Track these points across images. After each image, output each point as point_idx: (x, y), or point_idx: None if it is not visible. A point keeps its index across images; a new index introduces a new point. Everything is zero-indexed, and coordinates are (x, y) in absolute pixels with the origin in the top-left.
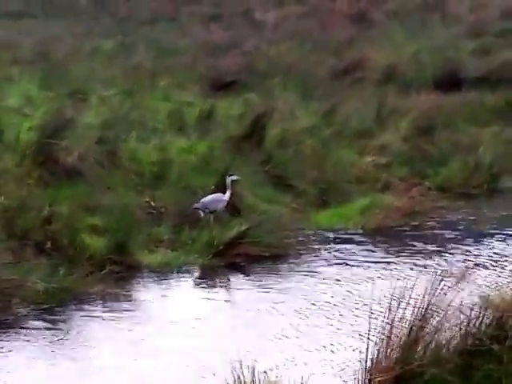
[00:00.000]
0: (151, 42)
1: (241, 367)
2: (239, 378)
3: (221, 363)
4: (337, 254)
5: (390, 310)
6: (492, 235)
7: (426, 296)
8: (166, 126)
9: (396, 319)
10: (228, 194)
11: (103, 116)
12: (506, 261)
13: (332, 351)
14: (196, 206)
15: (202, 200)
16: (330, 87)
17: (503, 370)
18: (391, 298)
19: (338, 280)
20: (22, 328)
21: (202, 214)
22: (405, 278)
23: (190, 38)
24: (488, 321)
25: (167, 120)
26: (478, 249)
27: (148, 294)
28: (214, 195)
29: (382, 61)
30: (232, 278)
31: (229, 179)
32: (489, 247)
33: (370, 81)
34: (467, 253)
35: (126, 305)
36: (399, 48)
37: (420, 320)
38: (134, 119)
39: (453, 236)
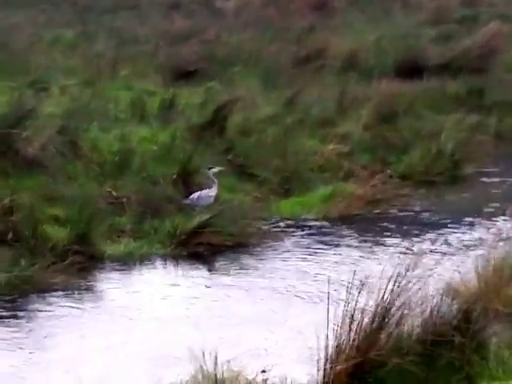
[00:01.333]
0: (112, 31)
1: (203, 357)
2: (202, 367)
3: (184, 353)
4: (299, 242)
5: (352, 298)
6: (455, 223)
7: (389, 285)
8: (127, 116)
9: (358, 308)
10: (215, 187)
11: (64, 106)
12: (470, 249)
13: (294, 340)
14: (186, 201)
15: (192, 196)
16: (292, 75)
17: (466, 359)
18: (354, 287)
19: (301, 268)
20: None
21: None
22: (368, 267)
23: (150, 27)
24: (451, 310)
25: (129, 109)
26: (441, 237)
27: (110, 284)
28: (203, 191)
29: (343, 48)
30: (194, 268)
31: (210, 172)
32: (452, 235)
33: (332, 68)
34: (430, 241)
35: (88, 295)
36: (360, 35)
37: (383, 309)
38: (96, 109)
39: (415, 224)
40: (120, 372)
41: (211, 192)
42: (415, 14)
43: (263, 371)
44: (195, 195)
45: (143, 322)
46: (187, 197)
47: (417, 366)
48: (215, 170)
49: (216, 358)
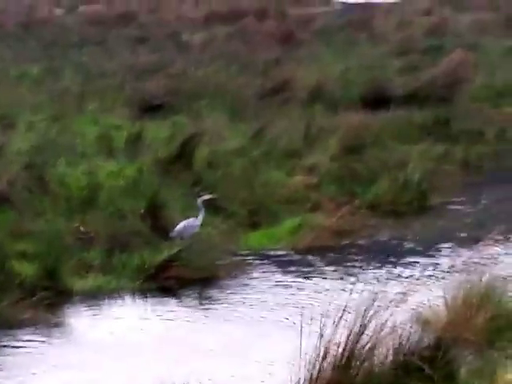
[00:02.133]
0: (78, 66)
1: None
2: None
3: None
4: (268, 274)
5: (322, 330)
6: (423, 252)
7: (359, 316)
8: (94, 150)
9: (328, 340)
10: (201, 216)
11: (31, 142)
12: (438, 279)
13: (264, 373)
14: (172, 235)
15: (177, 229)
16: (258, 108)
17: None
18: (323, 319)
19: (270, 300)
20: None
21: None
22: (336, 297)
23: (117, 61)
24: (421, 340)
25: (96, 144)
26: (409, 267)
27: (79, 319)
28: (186, 221)
29: (309, 80)
30: (163, 302)
31: (200, 200)
32: (420, 265)
33: (298, 100)
34: (399, 271)
35: (57, 330)
36: (326, 67)
37: (353, 340)
38: (63, 144)
39: (384, 254)
40: None
41: (196, 222)
42: (380, 46)
43: None
44: (179, 227)
45: (112, 356)
46: (172, 230)
47: None
48: (205, 197)
49: None
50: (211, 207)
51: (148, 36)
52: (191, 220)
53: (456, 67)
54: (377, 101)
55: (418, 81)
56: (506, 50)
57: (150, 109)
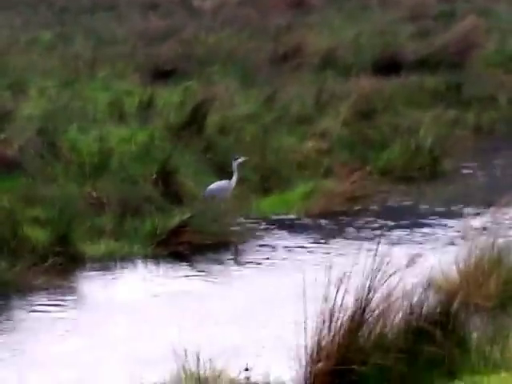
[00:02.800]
0: (90, 32)
1: (186, 356)
2: (184, 367)
3: (166, 352)
4: (280, 240)
5: (332, 295)
6: (435, 218)
7: (370, 281)
8: (106, 116)
9: (338, 305)
10: (234, 178)
11: (43, 107)
12: (450, 244)
13: (276, 338)
14: (204, 195)
15: (209, 188)
16: (270, 73)
17: (447, 354)
18: (334, 284)
19: (282, 266)
20: None
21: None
22: (348, 263)
23: (128, 28)
24: (431, 305)
25: (107, 110)
26: (421, 232)
27: (92, 284)
28: (219, 183)
29: (320, 46)
30: (175, 267)
31: (235, 163)
32: (432, 230)
33: (310, 66)
34: (411, 236)
35: (69, 296)
36: (338, 33)
37: (363, 305)
38: (74, 110)
39: (396, 219)
40: (102, 372)
41: (229, 184)
42: (393, 11)
43: (246, 369)
44: (212, 188)
45: (125, 322)
46: (204, 190)
47: (398, 362)
48: (240, 160)
49: (198, 357)
50: (223, 173)
51: (159, 1)
52: (225, 182)
53: (468, 33)
54: (388, 66)
55: (430, 46)
56: None
57: (162, 74)
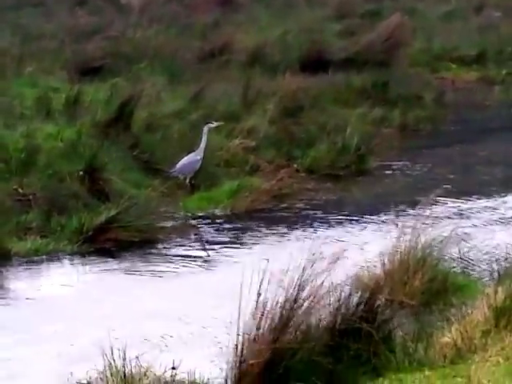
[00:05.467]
0: (17, 28)
1: (112, 353)
2: (110, 364)
3: (92, 350)
4: (206, 237)
5: (260, 291)
6: (361, 215)
7: (297, 277)
8: (33, 112)
9: (266, 301)
10: (202, 146)
11: None
12: (376, 241)
13: (203, 335)
14: (173, 173)
15: (178, 166)
16: (197, 70)
17: (372, 351)
18: (261, 280)
19: (208, 263)
20: None
21: (182, 178)
22: (275, 259)
23: (56, 24)
24: (358, 301)
25: (34, 106)
26: (347, 229)
27: (17, 281)
28: (187, 158)
29: (248, 43)
30: (102, 264)
31: (206, 128)
32: (358, 227)
33: (237, 63)
34: (336, 233)
35: None
36: (265, 30)
37: (290, 301)
38: (1, 106)
39: (321, 217)
40: (28, 370)
41: (197, 157)
42: (319, 9)
43: (173, 368)
44: (180, 164)
45: (50, 319)
46: (171, 168)
47: (325, 357)
48: (213, 124)
49: (124, 354)
50: (150, 170)
51: None
52: (191, 155)
53: (394, 31)
54: (316, 64)
55: (356, 45)
56: (444, 15)
57: (89, 71)
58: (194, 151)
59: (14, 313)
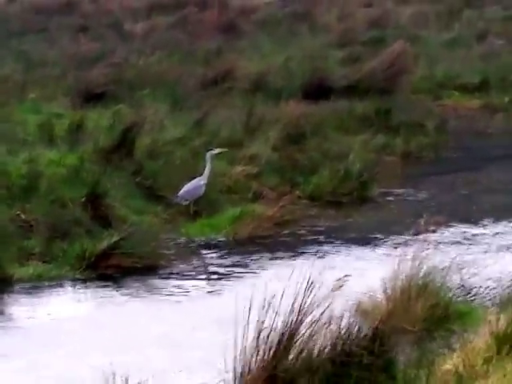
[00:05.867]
0: (20, 54)
1: (114, 379)
2: None
3: (93, 376)
4: (208, 264)
5: (260, 319)
6: (363, 243)
7: (298, 305)
8: (35, 139)
9: (266, 328)
10: (207, 172)
11: None
12: (378, 269)
13: (203, 362)
14: (177, 200)
15: (182, 192)
16: (200, 97)
17: (374, 378)
18: (262, 307)
19: (209, 290)
20: None
21: (186, 203)
22: (277, 286)
23: (58, 50)
24: (359, 329)
25: (37, 132)
26: (349, 256)
27: (19, 307)
28: (190, 183)
29: (250, 70)
30: (103, 290)
31: (208, 155)
32: (360, 255)
33: (240, 90)
34: (338, 261)
35: None
36: (268, 57)
37: (291, 329)
38: (3, 132)
39: (324, 244)
40: None
41: (201, 182)
42: (322, 37)
43: None
44: (185, 190)
45: (52, 345)
46: (175, 195)
47: None
48: (215, 151)
49: (127, 380)
50: (152, 196)
51: (90, 25)
52: (195, 181)
53: (397, 59)
54: (318, 91)
55: (359, 72)
56: (446, 42)
57: (92, 98)
58: (196, 177)
59: (15, 339)
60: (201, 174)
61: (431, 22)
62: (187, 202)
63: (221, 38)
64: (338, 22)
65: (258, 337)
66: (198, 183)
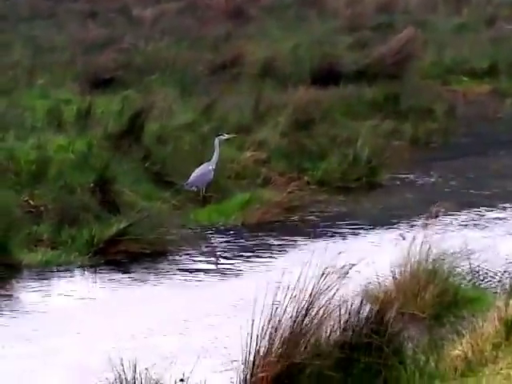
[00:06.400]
0: (28, 40)
1: (122, 365)
2: (120, 376)
3: (102, 362)
4: (217, 249)
5: (271, 304)
6: (372, 228)
7: (308, 290)
8: (44, 124)
9: (277, 314)
10: (215, 158)
11: None
12: (385, 253)
13: (214, 347)
14: (187, 186)
15: (192, 178)
16: (209, 83)
17: (383, 363)
18: (272, 293)
19: (219, 275)
20: None
21: (196, 189)
22: (286, 272)
23: (67, 36)
24: (368, 314)
25: (45, 118)
26: (358, 242)
27: (28, 292)
28: (199, 169)
29: (259, 56)
30: (112, 276)
31: (216, 140)
32: (369, 240)
33: (248, 76)
34: (348, 246)
35: (6, 304)
36: (276, 43)
37: (302, 315)
38: (12, 118)
39: (332, 229)
40: (38, 381)
41: (209, 167)
42: (331, 22)
43: (181, 380)
44: (194, 177)
45: (60, 331)
46: (185, 181)
47: (336, 370)
48: (224, 137)
49: (135, 366)
50: (161, 182)
51: (99, 10)
52: (204, 166)
53: (406, 44)
54: (327, 77)
55: (368, 57)
56: (455, 28)
57: (101, 83)
58: (204, 163)
59: (24, 324)
60: (209, 160)
61: (440, 7)
62: (197, 189)
63: (229, 24)
64: (347, 7)
65: (270, 323)
66: (207, 168)
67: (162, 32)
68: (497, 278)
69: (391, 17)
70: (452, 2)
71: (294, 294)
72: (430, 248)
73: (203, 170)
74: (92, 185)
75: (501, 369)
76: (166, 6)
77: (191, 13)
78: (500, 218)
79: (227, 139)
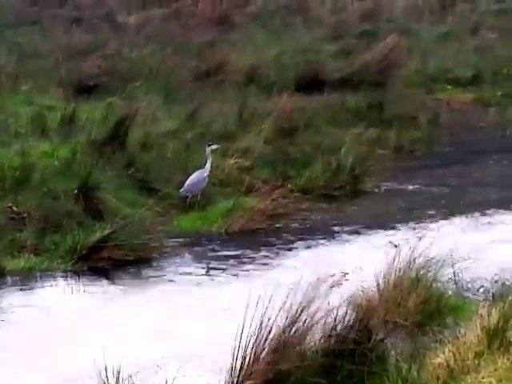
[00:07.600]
0: (13, 46)
1: (106, 372)
2: (104, 383)
3: (85, 369)
4: (200, 256)
5: (257, 312)
6: (355, 236)
7: (294, 298)
8: (28, 131)
9: (264, 322)
10: (208, 165)
11: None
12: (369, 261)
13: (199, 355)
14: (182, 194)
15: (186, 186)
16: (193, 90)
17: (366, 370)
18: (258, 301)
19: (202, 283)
20: None
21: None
22: (269, 280)
23: (51, 42)
24: (351, 322)
25: (29, 124)
26: (341, 250)
27: (10, 299)
28: (194, 176)
29: (243, 63)
30: (95, 283)
31: (208, 149)
32: (353, 248)
33: (233, 83)
34: (331, 254)
35: None
36: (261, 50)
37: (288, 323)
38: None
39: (316, 237)
40: None
41: (203, 174)
42: (316, 30)
43: None
44: (188, 184)
45: (44, 337)
46: (181, 188)
47: (319, 377)
48: (214, 147)
49: (119, 373)
50: (144, 189)
51: (83, 16)
52: (197, 173)
53: (390, 52)
54: (311, 84)
55: (352, 65)
56: (439, 36)
57: (85, 90)
58: (196, 171)
59: (7, 331)
60: (201, 168)
61: (424, 15)
62: (191, 195)
63: (214, 31)
64: (331, 15)
65: (256, 332)
66: (202, 176)
67: (146, 39)
68: (480, 286)
69: (375, 25)
70: (436, 11)
71: (279, 302)
72: (413, 256)
73: (199, 178)
74: (76, 191)
75: (483, 377)
76: (150, 13)
77: (176, 20)
78: (483, 227)
79: (215, 149)
